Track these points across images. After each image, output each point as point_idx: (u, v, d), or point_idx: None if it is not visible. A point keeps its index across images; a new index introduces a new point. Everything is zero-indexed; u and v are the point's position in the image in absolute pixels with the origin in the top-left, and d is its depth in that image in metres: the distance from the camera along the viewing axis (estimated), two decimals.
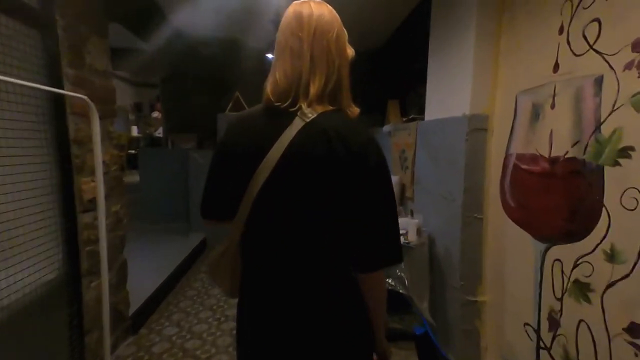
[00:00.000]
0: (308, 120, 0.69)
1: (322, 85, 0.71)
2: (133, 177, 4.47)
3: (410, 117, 2.74)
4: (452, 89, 1.88)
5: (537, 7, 1.39)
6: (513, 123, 1.55)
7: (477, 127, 1.71)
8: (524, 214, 1.49)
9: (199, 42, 3.69)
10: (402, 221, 2.15)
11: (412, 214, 2.15)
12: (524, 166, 1.47)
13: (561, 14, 1.26)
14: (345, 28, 0.77)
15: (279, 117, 0.72)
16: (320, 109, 0.71)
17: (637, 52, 0.97)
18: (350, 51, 0.78)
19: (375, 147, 0.70)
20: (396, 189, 2.62)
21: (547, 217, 1.34)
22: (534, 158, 1.40)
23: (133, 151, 5.89)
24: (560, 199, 1.26)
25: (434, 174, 2.08)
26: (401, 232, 2.08)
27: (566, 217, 1.24)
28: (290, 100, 0.71)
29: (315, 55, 0.71)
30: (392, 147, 2.93)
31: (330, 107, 0.72)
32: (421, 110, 2.66)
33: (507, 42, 1.59)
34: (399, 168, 2.77)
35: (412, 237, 1.96)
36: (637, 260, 0.97)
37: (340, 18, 0.77)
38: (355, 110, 0.77)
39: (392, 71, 3.84)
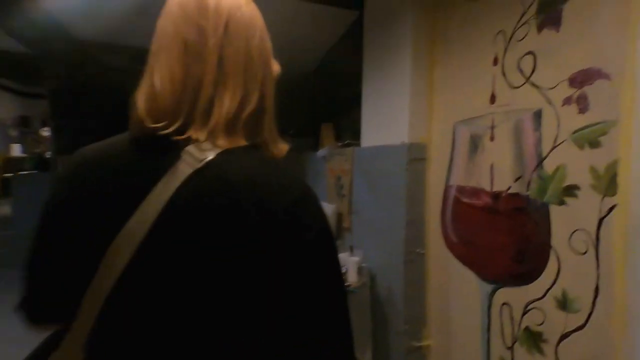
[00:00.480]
0: (200, 164, 0.44)
1: (235, 106, 0.46)
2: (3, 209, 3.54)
3: (346, 142, 2.64)
4: (388, 116, 1.80)
5: (469, 37, 1.38)
6: (452, 153, 1.50)
7: (416, 156, 1.64)
8: (468, 251, 1.41)
9: (101, 50, 3.15)
10: (341, 258, 1.96)
11: (351, 250, 1.99)
12: (465, 199, 1.41)
13: (494, 45, 1.24)
14: (275, 50, 0.55)
15: (155, 153, 0.46)
16: (225, 143, 0.46)
17: (575, 87, 0.95)
18: (276, 66, 0.55)
19: (314, 208, 0.46)
20: (332, 220, 2.46)
21: (492, 256, 1.26)
22: (476, 191, 1.34)
23: (11, 174, 4.78)
24: (506, 237, 1.20)
25: (373, 204, 1.96)
26: None
27: (513, 256, 1.17)
28: (177, 125, 0.45)
29: (226, 59, 0.47)
30: (327, 172, 2.79)
31: (243, 142, 0.48)
32: (356, 135, 2.57)
33: (442, 70, 1.56)
34: (335, 195, 2.62)
35: (353, 278, 1.77)
36: (592, 311, 0.90)
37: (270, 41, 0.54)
38: (282, 148, 0.53)
39: (325, 94, 3.79)
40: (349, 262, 1.80)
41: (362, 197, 2.12)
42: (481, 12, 1.30)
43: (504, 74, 1.20)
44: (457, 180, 1.46)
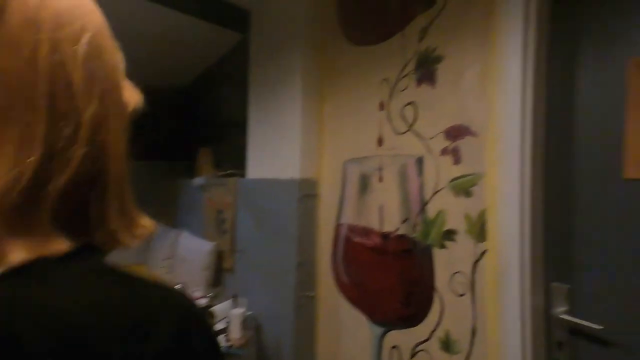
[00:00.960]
0: None
1: (15, 180, 0.24)
2: None
3: (228, 171, 2.42)
4: (278, 149, 1.71)
5: (357, 80, 1.43)
6: (343, 191, 1.50)
7: (307, 192, 1.58)
8: (359, 293, 1.40)
9: None
10: (222, 309, 1.69)
11: (235, 299, 1.75)
12: (356, 239, 1.41)
13: (380, 91, 1.32)
14: (146, 57, 0.36)
15: None
16: (16, 252, 0.23)
17: (450, 140, 1.05)
18: (133, 96, 0.35)
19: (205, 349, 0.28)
20: (210, 260, 2.15)
21: (382, 297, 1.28)
22: (366, 231, 1.35)
23: None
24: (395, 278, 1.23)
25: (260, 242, 1.79)
26: (219, 326, 1.61)
27: (401, 299, 1.20)
28: None
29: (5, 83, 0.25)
30: (205, 204, 2.47)
31: (61, 244, 0.26)
32: (240, 165, 2.39)
33: (332, 107, 1.58)
34: (215, 231, 2.33)
35: (236, 334, 1.53)
36: (470, 351, 0.97)
37: (142, 45, 0.33)
38: (143, 230, 0.33)
39: (204, 115, 3.47)
40: (232, 315, 1.56)
41: (247, 234, 1.92)
42: (367, 58, 1.38)
43: (389, 120, 1.28)
44: (349, 218, 1.46)
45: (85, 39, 0.29)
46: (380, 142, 1.31)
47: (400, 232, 1.22)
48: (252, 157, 1.95)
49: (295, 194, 1.56)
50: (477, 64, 0.98)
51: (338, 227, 1.52)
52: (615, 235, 0.79)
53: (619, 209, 0.78)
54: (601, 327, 0.78)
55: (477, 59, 0.98)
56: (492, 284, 0.93)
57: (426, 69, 1.14)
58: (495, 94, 0.93)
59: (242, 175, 2.09)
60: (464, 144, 1.01)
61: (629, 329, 0.76)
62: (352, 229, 1.43)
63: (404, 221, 1.21)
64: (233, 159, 2.69)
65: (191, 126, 3.51)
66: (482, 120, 0.97)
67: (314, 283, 1.59)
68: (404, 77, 1.22)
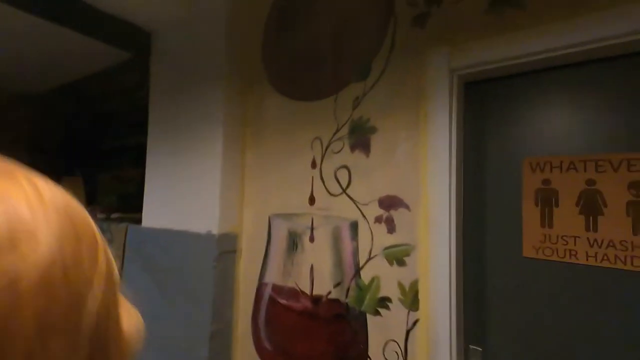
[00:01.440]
0: None
1: None
2: None
3: (115, 215, 2.02)
4: (188, 195, 1.52)
5: (286, 132, 1.41)
6: (267, 248, 1.42)
7: (226, 249, 1.44)
8: None
9: None
10: None
11: None
12: (282, 301, 1.33)
13: (312, 149, 1.32)
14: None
15: None
16: None
17: (384, 209, 1.12)
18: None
19: None
20: None
21: None
22: (295, 293, 1.30)
23: None
24: (326, 345, 1.20)
25: (161, 308, 1.52)
26: None
27: None
28: None
29: None
30: None
31: None
32: (128, 206, 2.05)
33: (255, 157, 1.50)
34: None
35: None
36: None
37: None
38: None
39: (74, 132, 2.86)
40: None
41: (140, 297, 1.61)
42: (298, 112, 1.37)
43: (322, 179, 1.28)
44: (274, 278, 1.38)
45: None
46: (312, 200, 1.30)
47: (332, 296, 1.21)
48: (150, 202, 1.68)
49: (212, 251, 1.40)
50: (409, 141, 1.08)
51: (261, 286, 1.42)
52: (517, 304, 0.96)
53: (520, 282, 0.95)
54: None
55: (409, 135, 1.09)
56: (424, 354, 1.00)
57: (360, 137, 1.19)
58: (426, 172, 1.04)
59: (135, 220, 1.77)
60: (398, 215, 1.09)
61: None
62: (278, 289, 1.36)
63: (337, 285, 1.20)
64: (122, 199, 2.27)
65: (49, 142, 2.84)
66: (414, 194, 1.06)
67: (230, 355, 1.43)
68: (337, 139, 1.25)
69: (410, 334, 1.03)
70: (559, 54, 0.87)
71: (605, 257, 0.84)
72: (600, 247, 0.85)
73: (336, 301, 1.20)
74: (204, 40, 1.52)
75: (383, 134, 1.14)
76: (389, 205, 1.11)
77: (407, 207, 1.08)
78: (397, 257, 1.08)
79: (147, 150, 1.73)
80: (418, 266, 1.04)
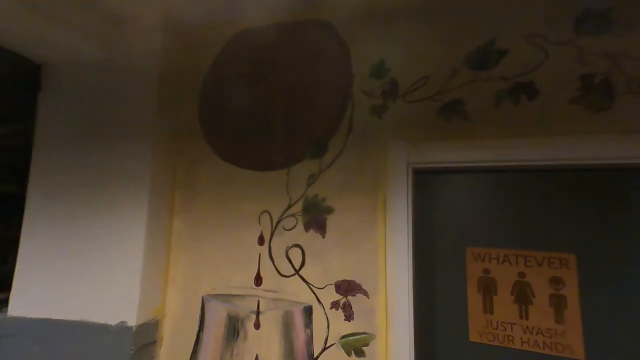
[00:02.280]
0: None
1: None
2: None
3: None
4: (91, 272, 1.22)
5: (225, 201, 1.28)
6: (199, 335, 1.22)
7: (145, 341, 1.18)
8: None
9: None
10: None
11: None
12: None
13: (259, 223, 1.23)
14: None
15: None
16: None
17: (341, 294, 1.09)
18: None
19: None
20: None
21: None
22: None
23: None
24: None
25: None
26: None
27: None
28: None
29: None
30: None
31: None
32: None
33: (185, 225, 1.32)
34: None
35: None
36: None
37: None
38: None
39: None
40: None
41: None
42: (244, 181, 1.27)
43: (271, 258, 1.19)
44: None
45: None
46: (259, 280, 1.19)
47: None
48: (25, 278, 1.28)
49: (125, 348, 1.13)
50: (367, 225, 1.10)
51: None
52: None
53: None
54: None
55: (367, 219, 1.11)
56: None
57: (315, 216, 1.17)
58: (385, 259, 1.06)
59: None
60: (356, 301, 1.08)
61: None
62: None
63: None
64: None
65: None
66: (372, 279, 1.07)
67: None
68: (289, 216, 1.20)
69: None
70: (492, 165, 1.02)
71: (536, 343, 0.98)
72: (532, 333, 0.98)
73: None
74: (127, 82, 1.31)
75: (340, 215, 1.14)
76: (347, 290, 1.09)
77: (365, 293, 1.07)
78: (355, 346, 1.05)
79: (26, 206, 1.35)
80: (378, 357, 1.03)
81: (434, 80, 1.10)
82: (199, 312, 1.25)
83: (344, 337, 1.07)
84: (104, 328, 1.15)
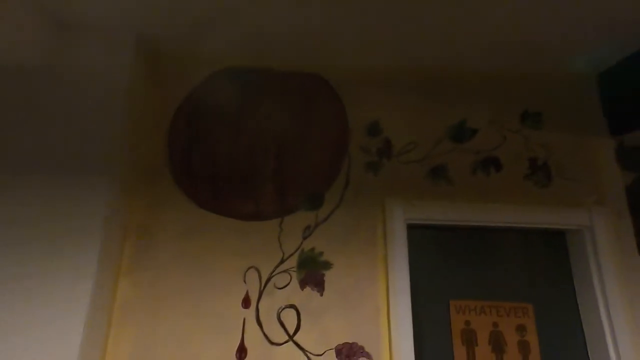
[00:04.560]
0: None
1: None
2: None
3: None
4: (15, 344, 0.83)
5: (198, 255, 1.09)
6: None
7: None
8: None
9: None
10: None
11: None
12: None
13: (245, 282, 1.08)
14: None
15: None
16: None
17: (342, 359, 1.02)
18: None
19: None
20: None
21: None
22: None
23: None
24: None
25: None
26: None
27: None
28: None
29: None
30: None
31: None
32: None
33: (137, 285, 1.05)
34: None
35: None
36: None
37: None
38: None
39: None
40: None
41: None
42: (224, 231, 1.12)
43: (259, 322, 1.04)
44: None
45: None
46: (242, 353, 1.01)
47: None
48: None
49: None
50: (369, 282, 1.09)
51: None
52: None
53: None
54: None
55: (368, 275, 1.10)
56: None
57: (312, 272, 1.10)
58: (388, 317, 1.06)
59: None
60: None
61: None
62: None
63: None
64: None
65: None
66: (375, 340, 1.04)
67: None
68: (282, 272, 1.09)
69: None
70: (471, 224, 1.19)
71: None
72: None
73: None
74: (83, 99, 1.03)
75: (339, 270, 1.10)
76: (348, 354, 1.03)
77: (368, 356, 1.03)
78: None
79: None
80: None
81: (423, 145, 1.24)
82: None
83: None
84: None
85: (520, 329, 1.16)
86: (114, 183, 1.00)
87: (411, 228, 1.19)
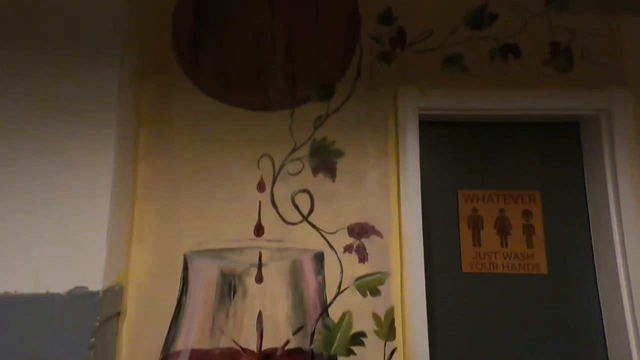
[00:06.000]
0: None
1: None
2: None
3: None
4: (38, 230, 0.90)
5: (213, 143, 1.11)
6: (182, 300, 1.04)
7: (110, 312, 0.94)
8: None
9: None
10: None
11: None
12: None
13: (259, 167, 1.11)
14: None
15: None
16: None
17: (354, 237, 1.09)
18: None
19: None
20: None
21: None
22: (232, 355, 1.01)
23: None
24: None
25: None
26: None
27: None
28: None
29: None
30: None
31: None
32: None
33: (154, 171, 1.09)
34: None
35: None
36: None
37: None
38: None
39: None
40: None
41: None
42: (237, 121, 1.13)
43: (274, 205, 1.09)
44: (193, 341, 1.02)
45: None
46: (260, 230, 1.08)
47: (291, 345, 1.02)
48: None
49: (87, 318, 0.87)
50: (380, 169, 1.12)
51: (167, 358, 1.01)
52: (458, 313, 1.15)
53: (462, 295, 1.16)
54: None
55: (379, 163, 1.12)
56: None
57: (324, 160, 1.12)
58: (398, 200, 1.10)
59: None
60: (370, 243, 1.08)
61: None
62: (201, 357, 1.01)
63: (297, 331, 1.03)
64: None
65: None
66: (386, 221, 1.09)
67: None
68: (294, 160, 1.12)
69: None
70: (486, 113, 1.17)
71: (513, 266, 1.17)
72: (510, 258, 1.18)
73: (297, 351, 1.02)
74: None
75: (350, 158, 1.12)
76: (360, 233, 1.09)
77: (379, 234, 1.09)
78: (371, 286, 1.06)
79: None
80: (393, 293, 1.06)
81: (438, 33, 1.18)
82: (179, 273, 1.05)
83: (358, 279, 1.07)
84: (48, 300, 0.86)
85: (526, 214, 1.20)
86: (123, 65, 0.99)
87: (423, 124, 1.18)
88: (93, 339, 0.86)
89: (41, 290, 0.85)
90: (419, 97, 1.15)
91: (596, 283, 1.15)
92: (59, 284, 0.86)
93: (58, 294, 0.86)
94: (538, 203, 1.21)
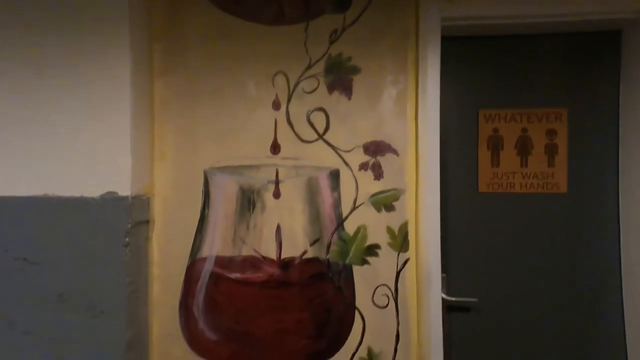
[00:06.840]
0: None
1: None
2: None
3: None
4: (63, 138, 0.95)
5: (227, 59, 1.09)
6: (204, 213, 1.10)
7: (139, 218, 1.01)
8: (237, 349, 1.08)
9: None
10: None
11: None
12: (234, 275, 1.08)
13: (273, 85, 1.10)
14: None
15: None
16: None
17: (370, 155, 1.09)
18: None
19: None
20: None
21: (281, 342, 1.08)
22: (253, 262, 1.08)
23: None
24: (302, 312, 1.08)
25: (39, 316, 0.91)
26: None
27: (311, 333, 1.08)
28: None
29: None
30: None
31: None
32: None
33: (173, 87, 1.10)
34: None
35: None
36: (394, 356, 1.07)
37: None
38: None
39: None
40: None
41: None
42: (250, 35, 1.09)
43: (290, 123, 1.10)
44: (217, 249, 1.09)
45: None
46: (276, 148, 1.10)
47: (308, 255, 1.08)
48: None
49: (119, 223, 0.94)
50: (397, 86, 1.09)
51: (195, 264, 1.09)
52: (472, 232, 1.17)
53: (477, 214, 1.17)
54: (475, 300, 1.14)
55: (397, 80, 1.08)
56: (414, 289, 1.07)
57: (339, 77, 1.09)
58: (416, 118, 1.08)
59: None
60: (385, 161, 1.08)
61: (492, 302, 1.16)
62: (226, 262, 1.09)
63: (314, 242, 1.09)
64: None
65: None
66: (402, 138, 1.08)
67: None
68: (309, 77, 1.10)
69: (401, 274, 1.07)
70: (516, 22, 1.09)
71: (532, 185, 1.16)
72: (529, 178, 1.16)
73: (314, 260, 1.08)
74: None
75: (367, 75, 1.09)
76: (376, 150, 1.09)
77: (395, 152, 1.09)
78: (385, 203, 1.08)
79: None
80: (407, 209, 1.08)
81: None
82: (201, 188, 1.10)
83: (373, 195, 1.09)
84: (83, 203, 0.93)
85: (550, 133, 1.16)
86: None
87: (445, 39, 1.11)
88: (127, 239, 0.94)
89: (76, 194, 0.92)
90: (443, 4, 1.07)
91: (618, 202, 1.13)
92: (92, 189, 0.93)
93: (92, 198, 0.92)
94: (564, 121, 1.16)
